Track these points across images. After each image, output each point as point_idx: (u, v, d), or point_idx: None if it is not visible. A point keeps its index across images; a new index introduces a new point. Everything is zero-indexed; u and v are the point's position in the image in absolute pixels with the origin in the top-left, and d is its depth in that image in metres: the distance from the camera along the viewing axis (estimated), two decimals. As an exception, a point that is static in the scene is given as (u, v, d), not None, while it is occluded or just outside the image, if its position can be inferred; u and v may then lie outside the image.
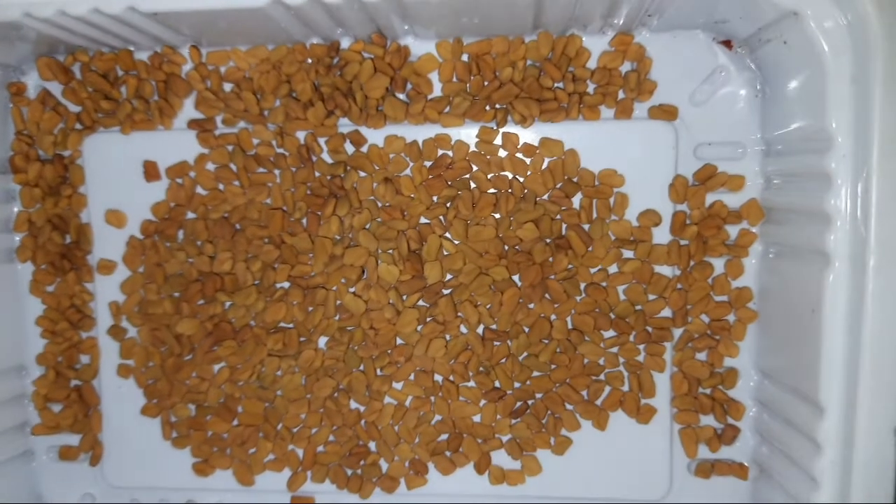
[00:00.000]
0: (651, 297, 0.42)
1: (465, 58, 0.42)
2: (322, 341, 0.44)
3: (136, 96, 0.44)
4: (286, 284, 0.44)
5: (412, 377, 0.44)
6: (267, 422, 0.45)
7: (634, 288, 0.42)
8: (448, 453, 0.44)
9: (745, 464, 0.43)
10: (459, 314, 0.42)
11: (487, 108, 0.42)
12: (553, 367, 0.43)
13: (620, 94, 0.41)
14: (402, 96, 0.42)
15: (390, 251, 0.42)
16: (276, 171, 0.43)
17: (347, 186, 0.42)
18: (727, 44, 0.40)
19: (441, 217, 0.42)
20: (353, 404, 0.44)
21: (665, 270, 0.42)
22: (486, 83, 0.41)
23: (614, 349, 0.43)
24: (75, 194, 0.45)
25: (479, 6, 0.37)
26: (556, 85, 0.41)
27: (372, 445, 0.45)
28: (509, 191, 0.42)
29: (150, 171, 0.44)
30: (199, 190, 0.44)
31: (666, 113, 0.41)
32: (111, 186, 0.45)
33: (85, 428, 0.46)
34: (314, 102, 0.42)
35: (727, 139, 0.41)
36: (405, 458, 0.44)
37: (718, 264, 0.42)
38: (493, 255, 0.41)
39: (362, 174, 0.42)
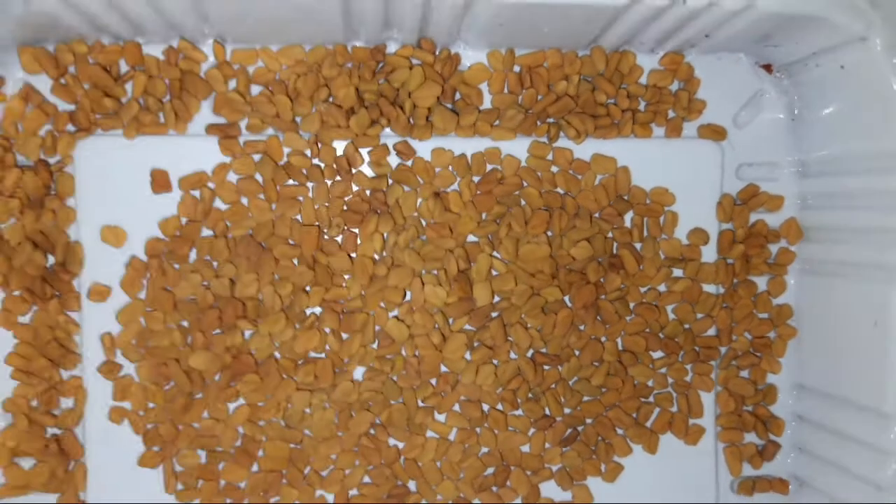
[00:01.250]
0: (699, 315, 0.42)
1: (516, 69, 0.40)
2: (358, 372, 0.40)
3: (145, 95, 0.38)
4: (318, 310, 0.39)
5: (457, 408, 0.40)
6: (293, 465, 0.40)
7: (683, 307, 0.41)
8: (495, 488, 0.41)
9: (785, 478, 0.43)
10: (509, 338, 0.40)
11: (539, 122, 0.40)
12: (603, 390, 0.41)
13: (670, 114, 0.41)
14: (449, 107, 0.39)
15: (435, 272, 0.39)
16: (310, 185, 0.39)
17: (390, 202, 0.39)
18: (767, 68, 0.41)
19: (490, 235, 0.39)
20: (391, 441, 0.40)
21: (709, 289, 0.42)
22: (539, 97, 0.40)
23: (663, 370, 0.42)
24: (62, 207, 0.38)
25: (546, 17, 0.35)
26: (608, 101, 0.40)
27: (412, 485, 0.41)
28: (562, 208, 0.40)
29: (160, 180, 0.38)
30: (218, 204, 0.39)
31: (715, 133, 0.41)
32: (109, 198, 0.39)
33: (64, 486, 0.39)
34: (356, 110, 0.38)
35: (766, 160, 0.42)
36: (448, 496, 0.41)
37: (760, 283, 0.42)
38: (545, 275, 0.40)
39: (406, 189, 0.39)
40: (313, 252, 0.39)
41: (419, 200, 0.39)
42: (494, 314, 0.40)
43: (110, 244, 0.39)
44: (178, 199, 0.39)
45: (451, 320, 0.39)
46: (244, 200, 0.39)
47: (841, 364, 0.40)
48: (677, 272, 0.41)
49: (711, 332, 0.42)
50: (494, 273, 0.40)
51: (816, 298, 0.42)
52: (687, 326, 0.42)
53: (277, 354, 0.39)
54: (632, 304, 0.41)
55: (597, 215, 0.41)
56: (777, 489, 0.43)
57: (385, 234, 0.39)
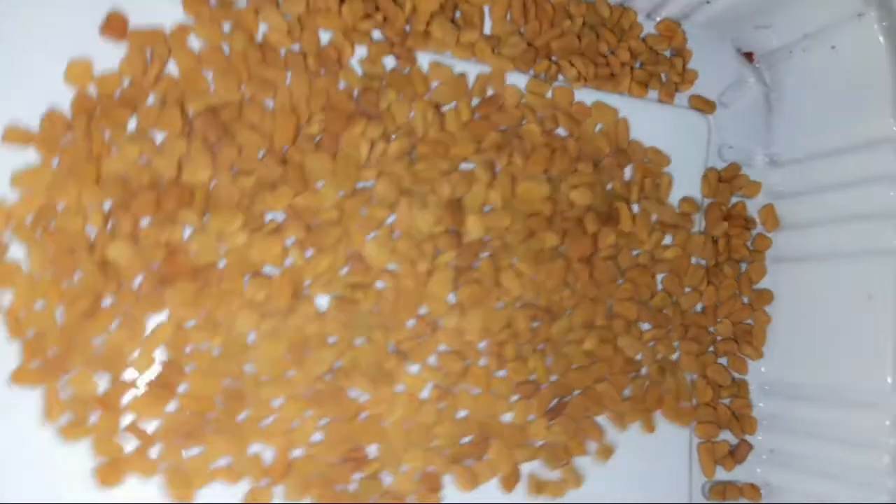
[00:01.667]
0: (686, 289, 0.39)
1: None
2: (319, 301, 0.32)
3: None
4: (279, 216, 0.32)
5: (432, 361, 0.34)
6: (223, 408, 0.30)
7: (671, 278, 0.39)
8: (470, 462, 0.34)
9: (756, 484, 0.40)
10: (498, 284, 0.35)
11: (538, 59, 0.37)
12: (593, 359, 0.36)
13: (663, 77, 0.40)
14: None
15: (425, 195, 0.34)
16: (287, 72, 0.33)
17: (381, 107, 0.34)
18: (749, 56, 0.42)
19: (487, 164, 0.35)
20: (353, 392, 0.32)
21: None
22: (542, 33, 0.38)
23: (651, 344, 0.38)
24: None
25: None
26: (609, 52, 0.39)
27: (372, 450, 0.32)
28: (564, 149, 0.37)
29: (115, 24, 0.31)
30: (172, 71, 0.32)
31: (706, 104, 0.41)
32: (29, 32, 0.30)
33: None
34: None
35: (744, 145, 0.42)
36: (416, 466, 0.33)
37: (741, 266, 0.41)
38: (542, 219, 0.35)
39: (400, 97, 0.34)
40: (286, 146, 0.32)
41: (412, 113, 0.34)
42: (484, 254, 0.35)
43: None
44: (120, 54, 0.31)
45: (437, 252, 0.34)
46: (206, 74, 0.32)
47: (823, 353, 0.38)
48: (666, 240, 0.39)
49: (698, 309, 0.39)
50: (486, 210, 0.35)
51: (792, 288, 0.40)
52: (674, 300, 0.39)
53: (222, 263, 0.31)
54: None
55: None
56: (748, 495, 0.39)
57: (372, 142, 0.33)
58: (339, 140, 0.33)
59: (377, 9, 0.34)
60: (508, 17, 0.38)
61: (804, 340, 0.39)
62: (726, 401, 0.40)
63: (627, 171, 0.39)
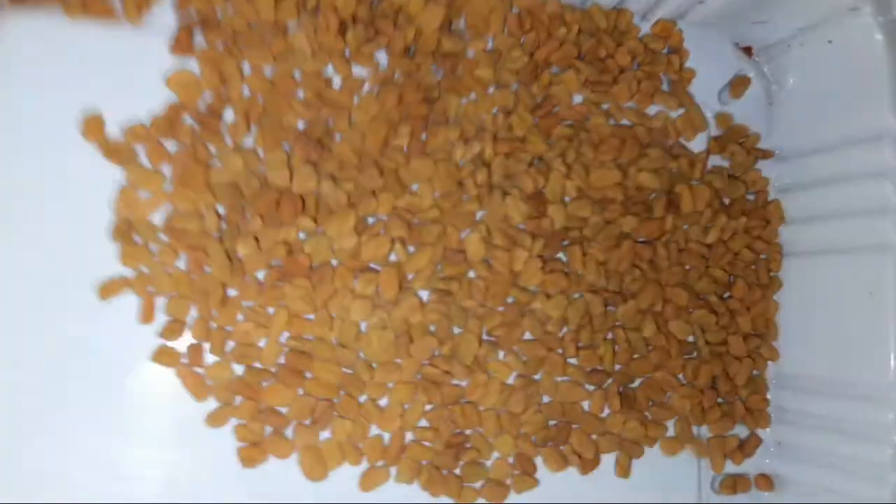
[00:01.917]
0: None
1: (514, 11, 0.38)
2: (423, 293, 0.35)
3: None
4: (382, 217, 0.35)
5: (516, 348, 0.36)
6: (347, 394, 0.32)
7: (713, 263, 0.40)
8: (555, 445, 0.36)
9: (767, 474, 0.41)
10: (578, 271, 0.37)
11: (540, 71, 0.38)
12: (649, 347, 0.39)
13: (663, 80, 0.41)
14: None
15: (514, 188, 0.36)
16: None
17: (450, 113, 0.36)
18: (748, 50, 0.43)
19: (560, 157, 0.37)
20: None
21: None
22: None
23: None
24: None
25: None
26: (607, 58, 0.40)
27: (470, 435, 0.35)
28: (633, 137, 0.39)
29: (183, 41, 0.33)
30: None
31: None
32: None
33: None
34: (348, 26, 0.35)
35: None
36: (507, 453, 0.35)
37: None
38: (617, 204, 0.38)
39: (464, 100, 0.37)
40: (378, 154, 0.35)
41: (483, 116, 0.37)
42: (565, 242, 0.37)
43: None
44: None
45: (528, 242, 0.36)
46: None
47: (829, 345, 0.39)
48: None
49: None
50: (566, 199, 0.38)
51: (797, 282, 0.41)
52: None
53: (334, 262, 0.33)
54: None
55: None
56: (761, 486, 0.40)
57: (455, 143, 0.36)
58: (425, 146, 0.35)
59: (377, 32, 0.35)
60: (505, 32, 0.38)
61: (809, 334, 0.40)
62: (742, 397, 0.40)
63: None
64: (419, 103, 0.36)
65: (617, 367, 0.38)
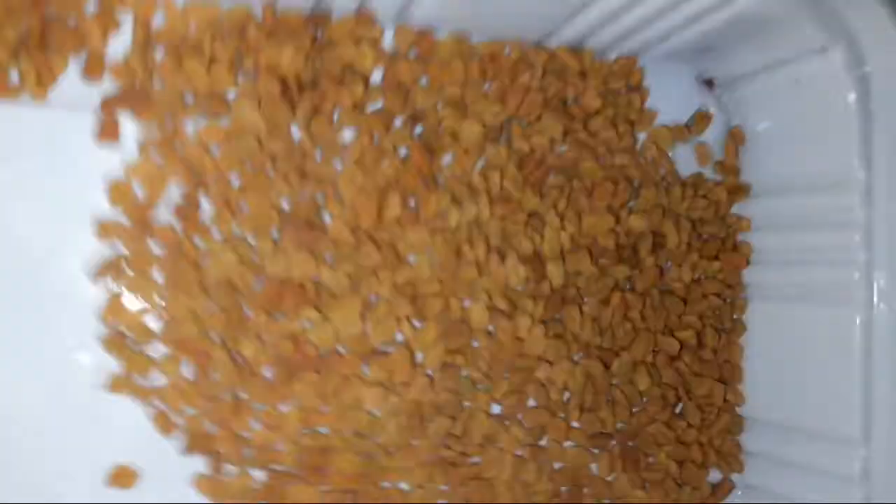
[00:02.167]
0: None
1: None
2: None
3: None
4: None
5: (520, 416, 0.36)
6: (368, 482, 0.32)
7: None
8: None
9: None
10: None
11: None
12: (644, 400, 0.39)
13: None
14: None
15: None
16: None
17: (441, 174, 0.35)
18: (709, 83, 0.42)
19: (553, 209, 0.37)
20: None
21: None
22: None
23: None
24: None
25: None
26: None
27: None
28: (626, 178, 0.38)
29: (108, 127, 0.31)
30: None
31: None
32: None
33: None
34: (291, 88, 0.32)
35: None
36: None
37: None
38: (611, 252, 0.38)
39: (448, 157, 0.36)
40: (373, 228, 0.34)
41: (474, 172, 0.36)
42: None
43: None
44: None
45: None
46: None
47: (795, 391, 0.38)
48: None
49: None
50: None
51: (764, 324, 0.40)
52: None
53: (340, 349, 0.33)
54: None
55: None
56: None
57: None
58: (418, 214, 0.34)
59: (323, 98, 0.33)
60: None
61: (775, 379, 0.39)
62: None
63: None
64: (404, 167, 0.34)
65: (619, 424, 0.38)
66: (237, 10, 0.32)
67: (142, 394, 0.30)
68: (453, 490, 0.34)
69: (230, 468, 0.30)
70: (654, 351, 0.39)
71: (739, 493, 0.40)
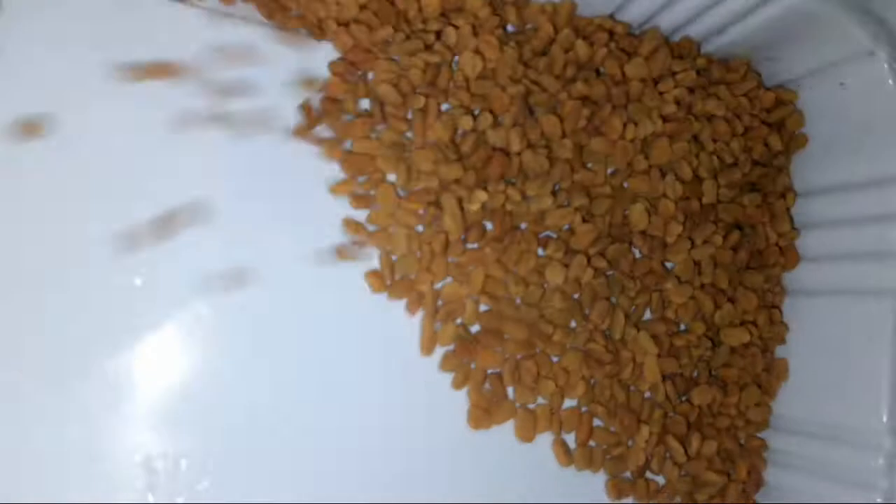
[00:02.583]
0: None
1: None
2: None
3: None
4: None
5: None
6: (543, 351, 0.35)
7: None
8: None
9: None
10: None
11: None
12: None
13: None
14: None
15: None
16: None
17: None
18: None
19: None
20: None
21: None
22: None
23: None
24: None
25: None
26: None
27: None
28: None
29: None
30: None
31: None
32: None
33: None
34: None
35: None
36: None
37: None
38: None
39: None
40: (572, 131, 0.37)
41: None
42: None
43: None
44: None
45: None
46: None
47: (821, 391, 0.38)
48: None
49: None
50: None
51: (798, 322, 0.40)
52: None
53: (524, 225, 0.36)
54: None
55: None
56: None
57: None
58: (601, 127, 0.37)
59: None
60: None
61: (806, 376, 0.39)
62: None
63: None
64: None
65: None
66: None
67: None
68: (600, 388, 0.37)
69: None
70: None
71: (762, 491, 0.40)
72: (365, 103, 0.35)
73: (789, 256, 0.40)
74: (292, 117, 0.34)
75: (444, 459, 0.35)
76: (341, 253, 0.34)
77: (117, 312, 0.31)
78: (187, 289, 0.32)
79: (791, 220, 0.41)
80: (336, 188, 0.34)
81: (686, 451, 0.37)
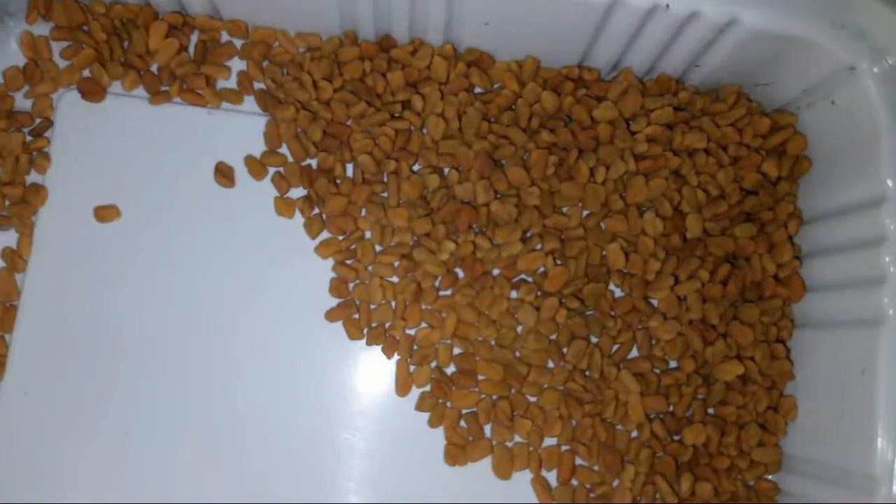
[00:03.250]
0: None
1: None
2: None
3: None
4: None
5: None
6: (518, 392, 0.37)
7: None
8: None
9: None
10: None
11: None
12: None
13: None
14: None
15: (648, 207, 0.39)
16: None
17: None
18: None
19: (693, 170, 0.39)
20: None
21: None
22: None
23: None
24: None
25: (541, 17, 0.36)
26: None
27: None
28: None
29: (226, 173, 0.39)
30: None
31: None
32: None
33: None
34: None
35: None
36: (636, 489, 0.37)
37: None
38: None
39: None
40: (541, 178, 0.38)
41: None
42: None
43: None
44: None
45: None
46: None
47: (815, 427, 0.37)
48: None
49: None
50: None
51: (811, 358, 0.38)
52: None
53: (496, 271, 0.38)
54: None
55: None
56: None
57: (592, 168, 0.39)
58: (570, 172, 0.38)
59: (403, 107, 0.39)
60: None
61: (814, 414, 0.37)
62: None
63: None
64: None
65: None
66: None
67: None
68: (580, 428, 0.37)
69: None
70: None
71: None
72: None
73: (794, 287, 0.39)
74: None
75: (422, 493, 0.37)
76: (331, 315, 0.38)
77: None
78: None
79: (794, 248, 0.39)
80: (321, 249, 0.38)
81: (675, 492, 0.36)
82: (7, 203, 0.38)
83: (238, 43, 0.39)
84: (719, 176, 0.39)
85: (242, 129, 0.39)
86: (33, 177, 0.38)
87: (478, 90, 0.40)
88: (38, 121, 0.38)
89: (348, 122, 0.38)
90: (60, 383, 0.37)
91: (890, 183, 0.34)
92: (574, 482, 0.37)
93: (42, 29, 0.39)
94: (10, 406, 0.37)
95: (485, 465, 0.37)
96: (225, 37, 0.40)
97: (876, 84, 0.34)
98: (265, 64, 0.39)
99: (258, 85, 0.39)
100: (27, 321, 0.37)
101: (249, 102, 0.39)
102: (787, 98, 0.39)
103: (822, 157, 0.39)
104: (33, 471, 0.36)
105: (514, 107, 0.39)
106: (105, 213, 0.38)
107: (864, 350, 0.34)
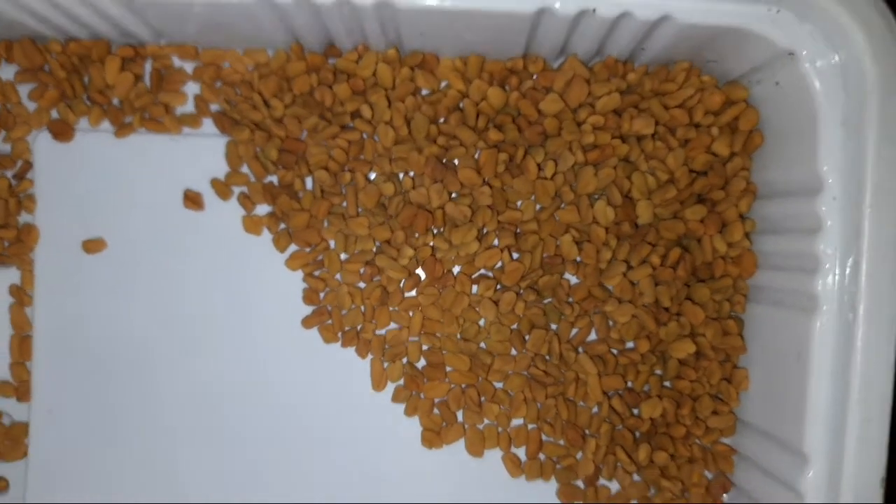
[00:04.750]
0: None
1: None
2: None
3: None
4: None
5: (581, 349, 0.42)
6: (485, 379, 0.40)
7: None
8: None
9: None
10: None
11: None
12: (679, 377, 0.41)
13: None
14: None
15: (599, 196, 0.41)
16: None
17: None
18: None
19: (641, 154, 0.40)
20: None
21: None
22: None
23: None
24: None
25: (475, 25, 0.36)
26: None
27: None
28: None
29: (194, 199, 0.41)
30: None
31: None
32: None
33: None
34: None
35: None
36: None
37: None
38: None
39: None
40: (492, 176, 0.39)
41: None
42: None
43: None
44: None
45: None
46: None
47: (769, 397, 0.38)
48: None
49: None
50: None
51: (759, 327, 0.40)
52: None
53: (457, 269, 0.40)
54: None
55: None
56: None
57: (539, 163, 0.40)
58: (520, 168, 0.40)
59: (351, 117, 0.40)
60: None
61: (763, 385, 0.39)
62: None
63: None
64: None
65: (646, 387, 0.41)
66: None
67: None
68: (545, 408, 0.41)
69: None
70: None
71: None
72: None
73: (745, 265, 0.40)
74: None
75: (406, 476, 0.42)
76: (306, 322, 0.41)
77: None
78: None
79: (746, 224, 0.39)
80: (290, 262, 0.41)
81: (634, 461, 0.39)
82: (6, 244, 0.41)
83: (189, 67, 0.40)
84: (668, 160, 0.39)
85: (206, 150, 0.41)
86: (24, 217, 0.41)
87: (425, 92, 0.40)
88: (19, 163, 0.41)
89: (303, 137, 0.40)
90: (76, 398, 0.42)
91: (825, 169, 0.34)
92: (541, 456, 0.41)
93: (7, 73, 0.41)
94: (40, 423, 0.42)
95: (459, 446, 0.41)
96: (177, 62, 0.41)
97: (814, 68, 0.34)
98: (218, 85, 0.40)
99: (214, 107, 0.41)
100: (42, 348, 0.42)
101: (209, 124, 0.41)
102: (736, 73, 0.39)
103: (772, 133, 0.39)
104: (68, 474, 0.42)
105: (461, 106, 0.40)
106: (92, 246, 0.41)
107: (800, 335, 0.35)
